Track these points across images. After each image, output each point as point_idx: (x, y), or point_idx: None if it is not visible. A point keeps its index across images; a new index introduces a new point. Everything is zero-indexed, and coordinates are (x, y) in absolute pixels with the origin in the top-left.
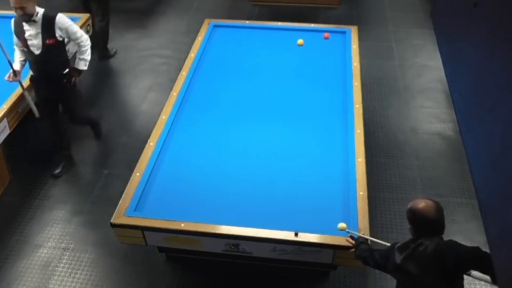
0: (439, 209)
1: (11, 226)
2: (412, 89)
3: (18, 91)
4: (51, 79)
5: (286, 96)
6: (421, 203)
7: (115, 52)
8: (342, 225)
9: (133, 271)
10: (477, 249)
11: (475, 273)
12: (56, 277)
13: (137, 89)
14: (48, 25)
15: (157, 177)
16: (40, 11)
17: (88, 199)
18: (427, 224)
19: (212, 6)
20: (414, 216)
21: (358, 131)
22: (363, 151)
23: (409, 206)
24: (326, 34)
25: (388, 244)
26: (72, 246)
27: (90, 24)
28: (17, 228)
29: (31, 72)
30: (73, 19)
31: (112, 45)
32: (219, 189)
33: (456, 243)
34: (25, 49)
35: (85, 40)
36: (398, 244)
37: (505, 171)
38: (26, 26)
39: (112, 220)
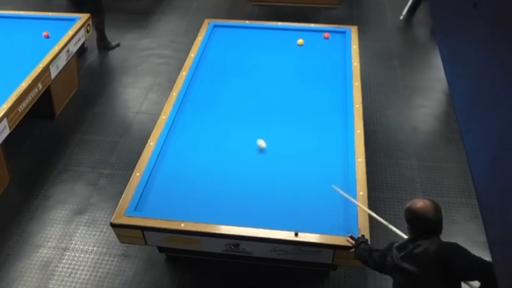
0: (437, 209)
1: (11, 226)
2: (412, 89)
3: (18, 90)
4: None
5: (286, 96)
6: (419, 203)
7: (117, 44)
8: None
9: (133, 271)
10: (488, 265)
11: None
12: (56, 277)
13: (137, 89)
14: None
15: (157, 177)
16: None
17: (88, 199)
18: (425, 224)
19: (212, 6)
20: (412, 216)
21: (358, 131)
22: (363, 151)
23: (406, 206)
24: (326, 34)
25: (391, 226)
26: (72, 246)
27: (90, 24)
28: (17, 228)
29: None
30: (73, 19)
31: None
32: (219, 189)
33: (464, 250)
34: None
35: None
36: (396, 244)
37: (505, 171)
38: None
39: (112, 220)
